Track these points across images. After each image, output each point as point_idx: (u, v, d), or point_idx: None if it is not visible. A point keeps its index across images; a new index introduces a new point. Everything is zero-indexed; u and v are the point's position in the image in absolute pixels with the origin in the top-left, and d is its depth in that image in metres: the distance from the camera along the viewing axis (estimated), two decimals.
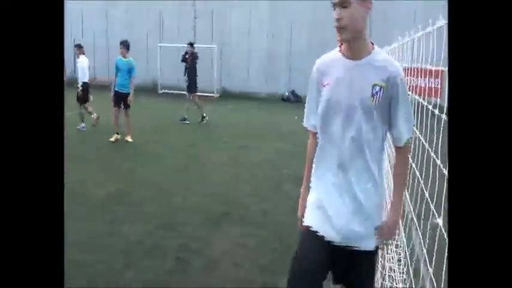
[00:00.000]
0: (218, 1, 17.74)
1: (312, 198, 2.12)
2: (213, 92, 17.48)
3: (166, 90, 18.02)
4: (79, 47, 10.11)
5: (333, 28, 1.93)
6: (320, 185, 2.07)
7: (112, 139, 8.69)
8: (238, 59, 17.93)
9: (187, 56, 11.50)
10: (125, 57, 8.75)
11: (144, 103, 12.38)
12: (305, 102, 2.21)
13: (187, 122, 11.13)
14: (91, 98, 9.89)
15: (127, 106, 8.76)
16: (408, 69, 4.08)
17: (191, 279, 3.55)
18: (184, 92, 11.92)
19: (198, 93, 11.72)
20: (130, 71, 8.71)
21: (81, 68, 9.77)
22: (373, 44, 2.01)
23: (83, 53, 9.98)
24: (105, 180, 6.20)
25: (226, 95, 17.71)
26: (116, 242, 4.19)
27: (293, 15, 17.13)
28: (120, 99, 8.75)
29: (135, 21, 18.76)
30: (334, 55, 2.05)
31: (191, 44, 11.77)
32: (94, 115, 9.72)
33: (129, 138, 8.78)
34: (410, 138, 2.05)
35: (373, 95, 1.93)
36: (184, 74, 11.64)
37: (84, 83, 9.73)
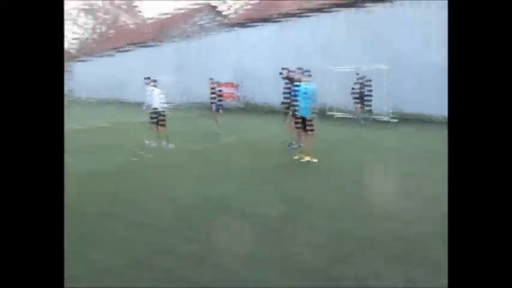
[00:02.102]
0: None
1: None
2: (383, 116, 16.72)
3: (334, 113, 18.25)
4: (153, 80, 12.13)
5: None
6: None
7: (302, 159, 9.11)
8: (410, 78, 16.74)
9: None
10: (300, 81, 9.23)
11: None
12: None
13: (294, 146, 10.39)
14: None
15: (308, 129, 9.14)
16: None
17: None
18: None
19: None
20: (308, 96, 8.97)
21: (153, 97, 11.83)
22: None
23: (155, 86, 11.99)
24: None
25: (399, 118, 16.70)
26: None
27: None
28: (302, 121, 9.24)
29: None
30: None
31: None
32: None
33: (310, 158, 9.06)
34: None
35: None
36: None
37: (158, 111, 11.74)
